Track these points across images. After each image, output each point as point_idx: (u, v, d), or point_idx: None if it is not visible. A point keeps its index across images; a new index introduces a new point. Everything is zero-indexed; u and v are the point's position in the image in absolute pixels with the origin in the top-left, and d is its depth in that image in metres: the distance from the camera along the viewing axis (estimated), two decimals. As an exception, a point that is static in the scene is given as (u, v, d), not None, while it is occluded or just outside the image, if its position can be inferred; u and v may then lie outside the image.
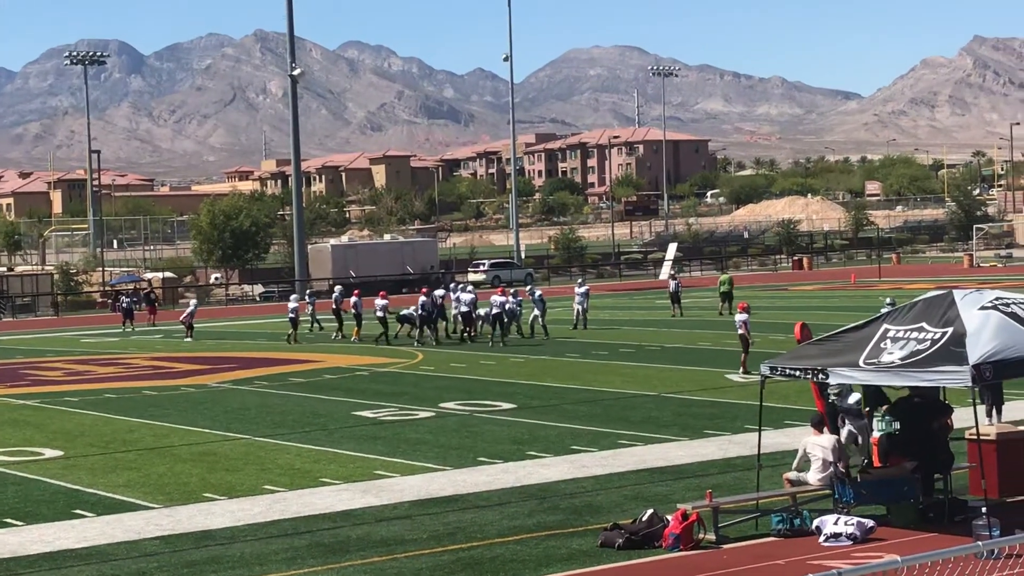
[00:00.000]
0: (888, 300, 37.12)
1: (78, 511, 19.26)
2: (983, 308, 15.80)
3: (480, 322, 44.14)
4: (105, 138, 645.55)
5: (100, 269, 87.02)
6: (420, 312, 43.67)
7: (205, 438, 25.76)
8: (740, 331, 32.40)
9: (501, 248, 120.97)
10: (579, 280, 52.06)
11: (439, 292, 46.21)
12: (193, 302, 57.66)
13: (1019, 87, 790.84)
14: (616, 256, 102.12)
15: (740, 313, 33.17)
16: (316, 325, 50.19)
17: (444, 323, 45.43)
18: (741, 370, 31.67)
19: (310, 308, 49.97)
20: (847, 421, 18.05)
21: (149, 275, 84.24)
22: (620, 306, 62.17)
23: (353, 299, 47.12)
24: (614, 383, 31.91)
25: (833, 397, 18.01)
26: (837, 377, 16.56)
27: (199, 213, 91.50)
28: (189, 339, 49.86)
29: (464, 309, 44.02)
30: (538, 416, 27.05)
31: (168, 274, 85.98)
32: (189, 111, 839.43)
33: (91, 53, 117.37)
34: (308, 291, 59.53)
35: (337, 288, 51.26)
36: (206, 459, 23.37)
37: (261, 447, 24.45)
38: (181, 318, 52.35)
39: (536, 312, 45.11)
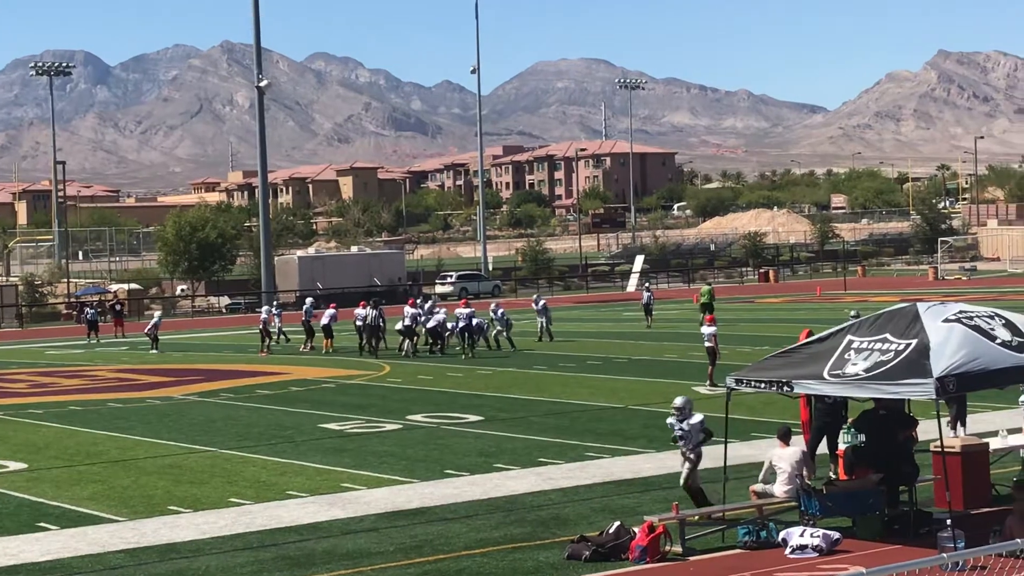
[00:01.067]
0: (853, 312, 37.28)
1: (42, 524, 19.13)
2: (947, 321, 15.89)
3: (448, 335, 44.14)
4: (70, 149, 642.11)
5: (65, 280, 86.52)
6: (405, 323, 43.61)
7: (170, 451, 25.64)
8: (708, 344, 32.43)
9: (468, 260, 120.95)
10: (535, 297, 51.89)
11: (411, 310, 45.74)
12: (158, 314, 57.46)
13: (983, 101, 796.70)
14: (583, 268, 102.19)
15: (708, 326, 33.18)
16: (282, 337, 50.03)
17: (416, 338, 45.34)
18: (708, 382, 31.74)
19: (276, 320, 49.70)
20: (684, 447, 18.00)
21: (115, 286, 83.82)
22: (587, 318, 62.22)
23: (330, 311, 47.08)
24: (581, 395, 31.93)
25: (672, 419, 18.07)
26: (802, 388, 16.63)
27: (165, 224, 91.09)
28: (154, 351, 49.68)
29: (431, 324, 44.06)
30: (505, 428, 27.03)
31: (134, 285, 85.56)
32: (155, 122, 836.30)
33: (57, 64, 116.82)
34: (275, 303, 59.50)
35: (308, 300, 51.06)
36: (171, 472, 23.26)
37: (227, 460, 24.35)
38: (146, 330, 52.19)
39: (499, 327, 45.15)
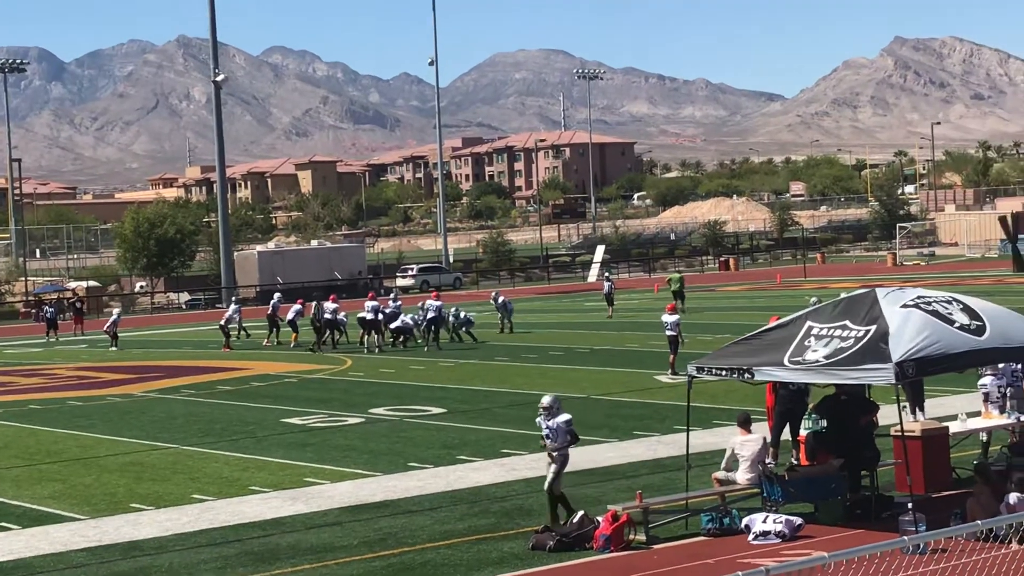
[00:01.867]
0: (813, 299, 37.49)
1: (3, 524, 19.01)
2: (905, 306, 15.98)
3: (415, 327, 44.04)
4: (26, 146, 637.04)
5: (23, 279, 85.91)
6: (367, 316, 43.46)
7: (132, 448, 25.51)
8: (671, 332, 32.43)
9: (429, 253, 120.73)
10: (492, 293, 51.77)
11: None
12: (117, 311, 57.10)
13: (939, 87, 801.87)
14: (544, 259, 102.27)
15: (670, 314, 33.08)
16: (243, 332, 49.79)
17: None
18: (670, 371, 31.80)
19: (236, 316, 49.27)
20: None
21: (73, 284, 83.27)
22: (549, 309, 62.27)
23: (296, 306, 46.74)
24: (543, 386, 31.91)
25: (540, 418, 17.26)
26: (763, 375, 16.69)
27: (123, 221, 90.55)
28: (114, 348, 49.38)
29: (395, 324, 43.93)
30: (468, 420, 27.04)
31: (92, 283, 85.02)
32: (111, 118, 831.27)
33: (10, 60, 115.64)
34: (234, 298, 59.34)
35: (276, 295, 50.57)
36: (133, 469, 23.15)
37: (189, 456, 24.25)
38: (105, 327, 51.86)
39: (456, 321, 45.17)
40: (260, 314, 54.55)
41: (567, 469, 17.34)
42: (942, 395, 25.26)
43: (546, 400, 17.44)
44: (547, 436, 17.22)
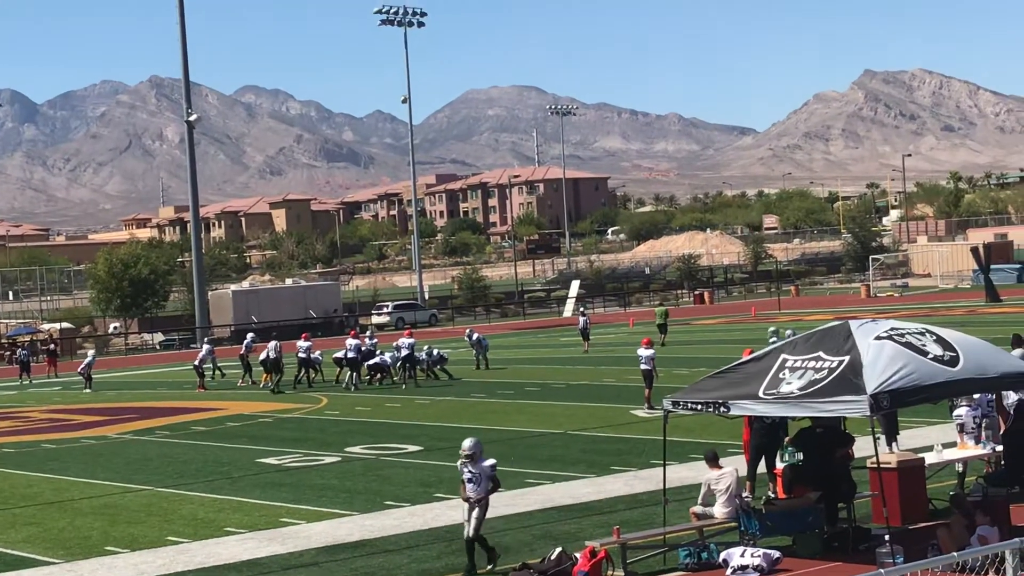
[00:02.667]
0: (772, 329, 37.87)
1: (-24, 570, 18.83)
2: (878, 338, 16.02)
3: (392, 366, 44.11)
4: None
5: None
6: (349, 355, 43.54)
7: (106, 490, 25.33)
8: (645, 367, 32.44)
9: (405, 290, 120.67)
10: (467, 331, 51.64)
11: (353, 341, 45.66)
12: (91, 353, 56.79)
13: (910, 119, 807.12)
14: (519, 295, 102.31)
15: (645, 348, 33.09)
16: (218, 372, 49.58)
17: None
18: (646, 405, 31.79)
19: (210, 356, 48.87)
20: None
21: (46, 326, 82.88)
22: (525, 344, 62.23)
23: (272, 343, 46.18)
24: (520, 422, 31.90)
25: (461, 463, 16.83)
26: (738, 409, 16.68)
27: (96, 262, 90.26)
28: (88, 390, 49.10)
29: (373, 361, 44.17)
30: (445, 458, 26.92)
31: (66, 325, 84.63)
32: (84, 159, 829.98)
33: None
34: (207, 339, 59.17)
35: (249, 335, 50.29)
36: (107, 512, 22.97)
37: (164, 498, 24.09)
38: (79, 369, 51.59)
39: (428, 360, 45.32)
40: (234, 354, 54.34)
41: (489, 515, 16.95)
42: (917, 426, 25.31)
43: (467, 445, 16.82)
44: (469, 480, 16.74)
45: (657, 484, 19.09)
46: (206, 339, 58.22)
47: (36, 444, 33.49)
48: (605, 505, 20.73)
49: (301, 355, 44.38)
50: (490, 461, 16.92)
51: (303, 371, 44.66)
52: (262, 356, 45.63)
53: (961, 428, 20.15)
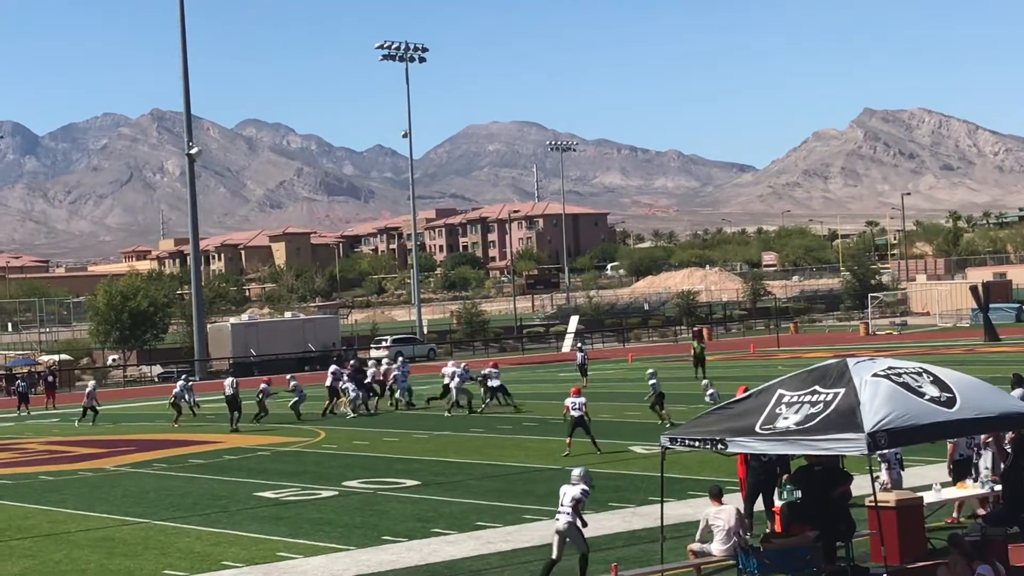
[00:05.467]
0: (705, 382, 39.10)
1: (-29, 602, 18.78)
2: (875, 376, 16.02)
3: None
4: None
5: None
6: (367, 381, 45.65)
7: (103, 523, 25.27)
8: (576, 413, 32.26)
9: (403, 324, 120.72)
10: (487, 370, 50.75)
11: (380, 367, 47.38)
12: (92, 383, 56.20)
13: (909, 158, 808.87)
14: (518, 329, 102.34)
15: (574, 397, 32.81)
16: (194, 409, 48.43)
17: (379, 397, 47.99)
18: (567, 447, 31.69)
19: (186, 393, 47.84)
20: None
21: (45, 357, 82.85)
22: (523, 379, 62.13)
23: (262, 386, 45.94)
24: (518, 457, 31.85)
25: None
26: (736, 446, 16.66)
27: (96, 294, 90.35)
28: (89, 423, 48.37)
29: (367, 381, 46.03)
30: (442, 492, 26.90)
31: (64, 356, 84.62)
32: (85, 191, 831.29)
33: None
34: (184, 376, 58.82)
35: (230, 379, 49.55)
36: (104, 545, 22.92)
37: (161, 531, 24.04)
38: (85, 401, 49.81)
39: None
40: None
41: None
42: (916, 465, 25.28)
43: (577, 472, 18.02)
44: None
45: (655, 521, 19.08)
46: (184, 376, 57.71)
47: (33, 476, 33.43)
48: (603, 542, 20.68)
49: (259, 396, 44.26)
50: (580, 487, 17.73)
51: (332, 400, 45.59)
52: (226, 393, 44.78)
53: (958, 468, 20.19)
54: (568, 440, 32.11)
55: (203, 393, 49.65)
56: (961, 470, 20.96)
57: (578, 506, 17.53)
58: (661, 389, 37.49)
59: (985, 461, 21.38)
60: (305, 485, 28.82)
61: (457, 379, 44.20)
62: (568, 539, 17.42)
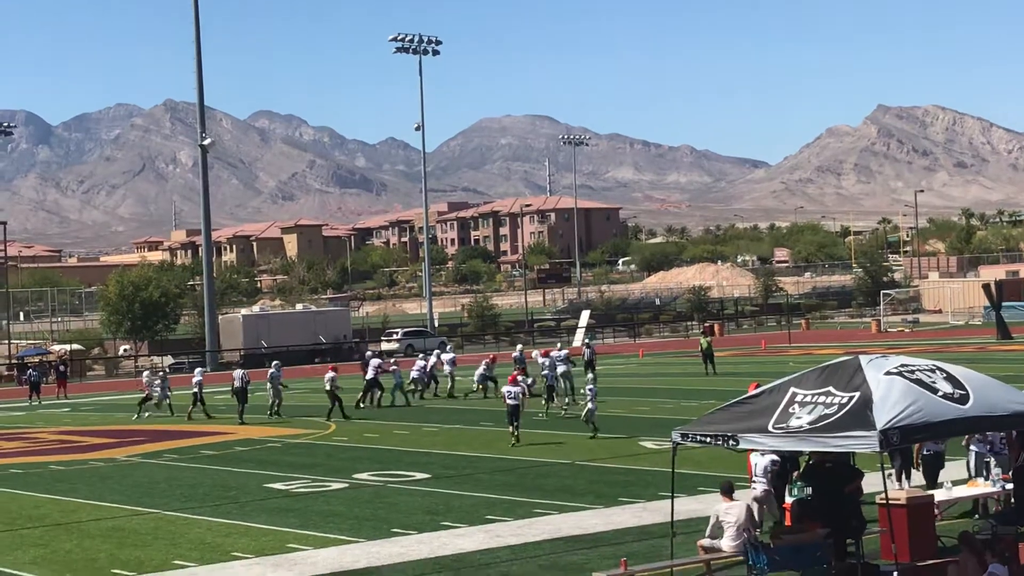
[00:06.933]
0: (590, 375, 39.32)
1: (-18, 590, 18.82)
2: (888, 374, 15.98)
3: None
4: (12, 209, 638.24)
5: (6, 342, 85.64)
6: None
7: (113, 513, 25.32)
8: (512, 402, 33.27)
9: (414, 316, 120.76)
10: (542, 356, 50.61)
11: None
12: (198, 370, 49.84)
13: (922, 155, 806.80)
14: (529, 323, 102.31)
15: (511, 386, 33.73)
16: (166, 402, 47.32)
17: (435, 385, 49.02)
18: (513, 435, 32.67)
19: (160, 388, 47.13)
20: None
21: (57, 347, 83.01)
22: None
23: (238, 372, 44.81)
24: (528, 451, 31.85)
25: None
26: (747, 443, 16.64)
27: (108, 284, 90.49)
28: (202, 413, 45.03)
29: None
30: (452, 486, 26.91)
31: (76, 346, 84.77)
32: (98, 181, 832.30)
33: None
34: (161, 371, 55.71)
35: (197, 370, 48.75)
36: (115, 534, 22.96)
37: (171, 521, 24.08)
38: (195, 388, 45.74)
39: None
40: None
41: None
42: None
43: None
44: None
45: (665, 516, 19.05)
46: (161, 371, 55.78)
47: (44, 465, 33.50)
48: (613, 536, 20.67)
49: (236, 383, 43.08)
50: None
51: (369, 393, 45.19)
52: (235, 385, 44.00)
53: (971, 465, 20.17)
54: (511, 429, 33.17)
55: (212, 385, 49.63)
56: (929, 468, 21.21)
57: (770, 475, 19.27)
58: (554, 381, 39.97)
59: (970, 460, 21.46)
60: (315, 477, 28.84)
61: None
62: (765, 506, 18.84)
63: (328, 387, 42.14)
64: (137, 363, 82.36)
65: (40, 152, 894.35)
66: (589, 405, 33.94)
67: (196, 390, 44.65)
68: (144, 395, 47.17)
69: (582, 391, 38.10)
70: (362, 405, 44.50)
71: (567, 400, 42.23)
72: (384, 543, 21.03)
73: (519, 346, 55.21)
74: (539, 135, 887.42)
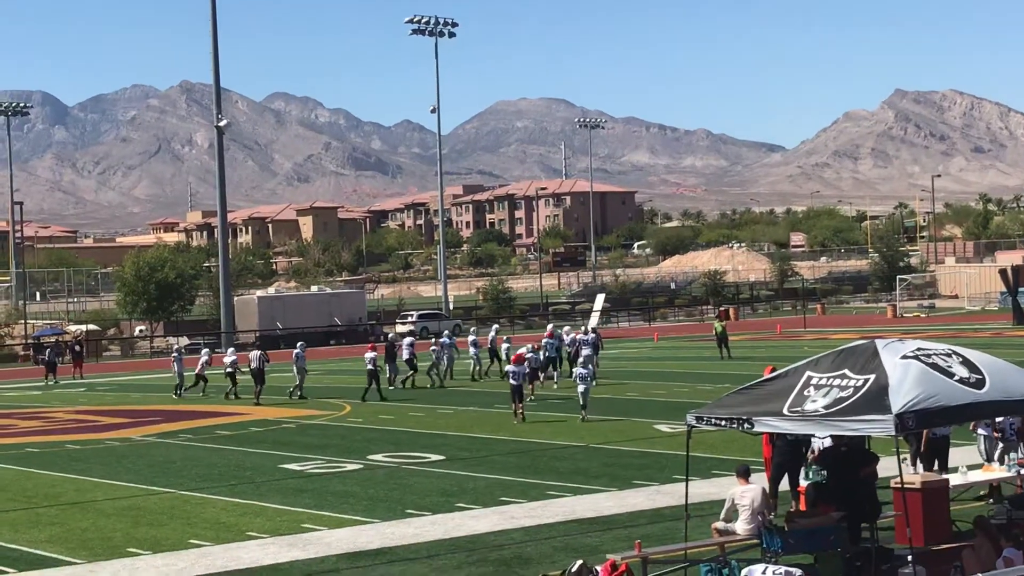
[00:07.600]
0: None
1: (0, 568, 18.93)
2: (904, 358, 15.95)
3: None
4: (28, 189, 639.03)
5: (22, 322, 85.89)
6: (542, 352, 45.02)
7: (129, 492, 25.42)
8: (514, 382, 34.80)
9: (429, 299, 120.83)
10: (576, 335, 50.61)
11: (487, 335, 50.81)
12: (205, 351, 51.74)
13: (939, 139, 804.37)
14: (544, 307, 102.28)
15: (515, 366, 35.60)
16: (178, 390, 47.47)
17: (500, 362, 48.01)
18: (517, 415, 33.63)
19: (177, 365, 48.01)
20: None
21: (72, 327, 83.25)
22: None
23: (255, 353, 44.78)
24: (543, 434, 31.89)
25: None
26: (762, 426, 16.61)
27: (123, 265, 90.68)
28: (201, 393, 46.78)
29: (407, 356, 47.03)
30: (467, 467, 26.96)
31: (92, 327, 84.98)
32: (114, 162, 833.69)
33: (14, 104, 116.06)
34: (177, 350, 56.43)
35: (205, 350, 49.36)
36: (130, 513, 23.06)
37: (186, 501, 24.17)
38: (239, 367, 45.97)
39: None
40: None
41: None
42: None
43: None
44: None
45: (679, 499, 19.07)
46: (177, 350, 56.96)
47: (60, 445, 33.66)
48: (627, 519, 20.70)
49: (369, 367, 42.33)
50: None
51: (408, 374, 45.95)
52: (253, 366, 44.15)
53: (986, 450, 20.14)
54: (515, 407, 34.36)
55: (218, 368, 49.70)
56: (936, 451, 21.20)
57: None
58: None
59: (980, 444, 21.45)
60: (330, 458, 28.92)
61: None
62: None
63: (370, 366, 42.19)
64: (153, 343, 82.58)
65: (56, 133, 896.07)
66: (580, 387, 34.68)
67: (231, 370, 45.02)
68: (196, 373, 47.35)
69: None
70: (405, 386, 45.13)
71: (557, 375, 44.95)
72: (398, 524, 21.09)
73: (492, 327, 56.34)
74: (555, 118, 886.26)
